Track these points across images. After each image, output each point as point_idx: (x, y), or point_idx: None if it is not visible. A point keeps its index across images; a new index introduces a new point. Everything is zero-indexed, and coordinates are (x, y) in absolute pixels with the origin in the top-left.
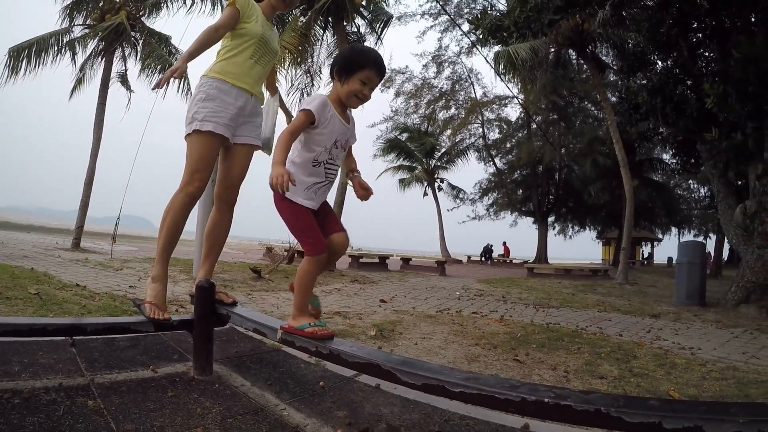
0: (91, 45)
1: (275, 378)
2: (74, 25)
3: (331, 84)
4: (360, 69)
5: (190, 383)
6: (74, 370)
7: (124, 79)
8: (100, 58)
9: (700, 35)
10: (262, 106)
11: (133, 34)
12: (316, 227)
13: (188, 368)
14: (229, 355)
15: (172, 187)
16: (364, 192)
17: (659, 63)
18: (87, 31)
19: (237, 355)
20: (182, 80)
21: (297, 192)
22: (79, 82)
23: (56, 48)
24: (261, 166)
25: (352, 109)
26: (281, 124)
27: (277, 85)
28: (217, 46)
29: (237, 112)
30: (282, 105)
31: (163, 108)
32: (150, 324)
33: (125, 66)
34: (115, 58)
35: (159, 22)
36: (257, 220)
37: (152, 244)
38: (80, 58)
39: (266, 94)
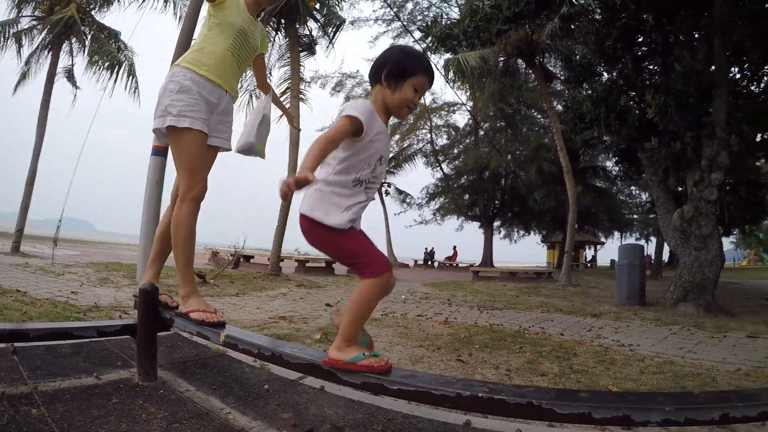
0: (38, 38)
1: (220, 382)
2: (22, 15)
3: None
4: (413, 74)
5: (134, 389)
6: (16, 378)
7: (70, 75)
8: (46, 52)
9: (645, 49)
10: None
11: (82, 28)
12: (369, 243)
13: (132, 374)
14: (173, 360)
15: (118, 190)
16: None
17: (604, 74)
18: (35, 22)
19: (181, 360)
20: (130, 78)
21: (331, 213)
22: (24, 76)
23: (2, 39)
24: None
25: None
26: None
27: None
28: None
29: (212, 107)
30: (276, 101)
31: (110, 107)
32: (93, 329)
33: (72, 61)
34: (62, 53)
35: (109, 17)
36: (202, 224)
37: (94, 248)
38: (26, 51)
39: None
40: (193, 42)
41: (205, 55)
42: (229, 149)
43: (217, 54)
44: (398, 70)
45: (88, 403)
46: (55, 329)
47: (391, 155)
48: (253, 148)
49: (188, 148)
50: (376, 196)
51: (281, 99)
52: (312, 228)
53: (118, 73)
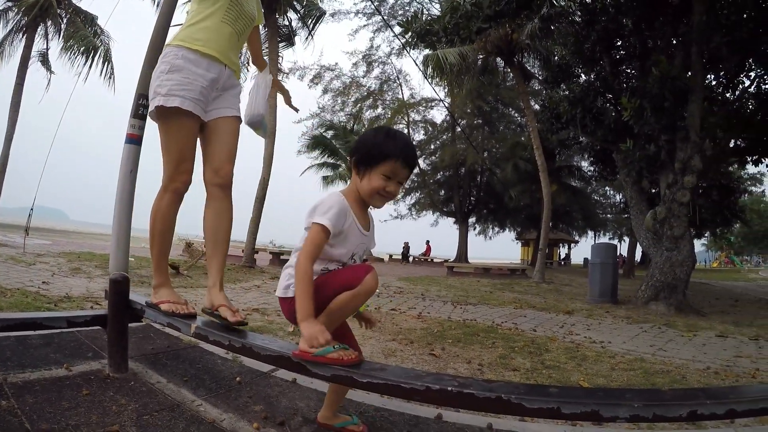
0: (13, 20)
1: (192, 374)
2: None
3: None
4: (383, 160)
5: (105, 381)
6: None
7: (45, 59)
8: (21, 35)
9: (623, 53)
10: (242, 81)
11: (59, 11)
12: (338, 272)
13: (103, 366)
14: (144, 352)
15: (92, 178)
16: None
17: (582, 76)
18: (10, 4)
19: (153, 352)
20: (106, 63)
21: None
22: None
23: None
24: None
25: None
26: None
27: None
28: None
29: (208, 84)
30: (275, 80)
31: (85, 92)
32: (63, 320)
33: (47, 45)
34: (37, 36)
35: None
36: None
37: (66, 238)
38: (0, 34)
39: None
40: (185, 19)
41: (199, 30)
42: (238, 116)
43: (212, 27)
44: (366, 157)
45: (59, 395)
46: (24, 319)
47: None
48: (263, 122)
49: (177, 133)
50: None
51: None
52: (286, 306)
53: (93, 58)
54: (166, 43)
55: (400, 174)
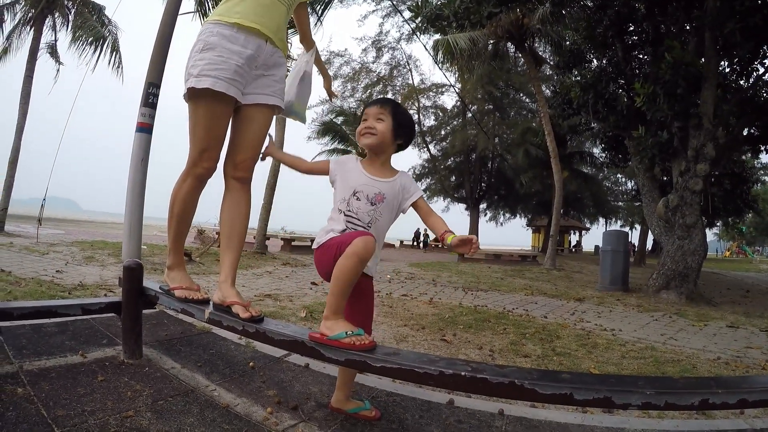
0: (21, 12)
1: (205, 360)
2: None
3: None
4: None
5: (120, 367)
6: (2, 357)
7: (53, 51)
8: (29, 27)
9: (636, 38)
10: (287, 61)
11: (66, 2)
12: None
13: (118, 352)
14: (158, 337)
15: (103, 168)
16: (466, 246)
17: (594, 61)
18: None
19: (167, 338)
20: (114, 53)
21: (319, 237)
22: (5, 51)
23: None
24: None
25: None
26: (317, 88)
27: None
28: None
29: (245, 62)
30: (319, 61)
31: (95, 83)
32: (77, 307)
33: (55, 36)
34: (44, 28)
35: None
36: None
37: (78, 227)
38: (8, 26)
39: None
40: None
41: (239, 3)
42: (279, 106)
43: None
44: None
45: (74, 382)
46: (39, 308)
47: None
48: (293, 109)
49: (205, 117)
50: None
51: None
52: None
53: (101, 48)
54: (206, 19)
55: (370, 111)
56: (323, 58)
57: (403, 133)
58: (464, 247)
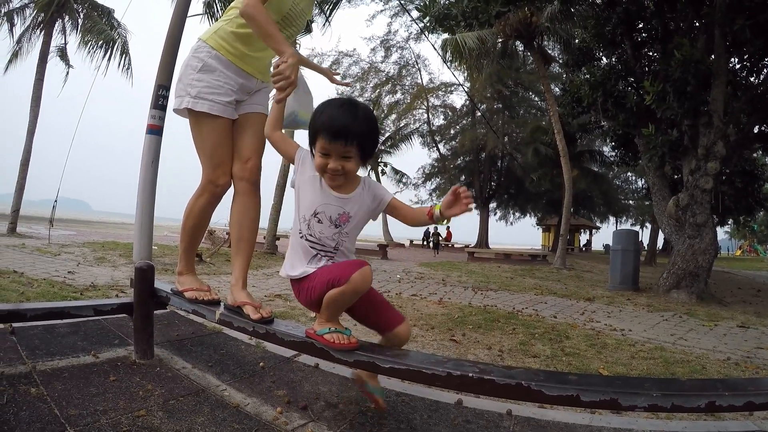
0: (31, 16)
1: (216, 360)
2: None
3: None
4: (315, 137)
5: (131, 367)
6: (15, 358)
7: (63, 54)
8: (39, 31)
9: (645, 35)
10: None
11: (75, 6)
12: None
13: (129, 352)
14: (170, 338)
15: (114, 170)
16: (458, 204)
17: (603, 59)
18: (27, 1)
19: (178, 338)
20: (124, 55)
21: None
22: (15, 55)
23: None
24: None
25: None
26: (327, 88)
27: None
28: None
29: (239, 87)
30: (306, 62)
31: (105, 85)
32: (89, 308)
33: (65, 39)
34: (54, 31)
35: None
36: None
37: (90, 228)
38: (18, 30)
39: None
40: (227, 10)
41: (240, 39)
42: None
43: (255, 41)
44: (310, 132)
45: (86, 382)
46: (52, 309)
47: (387, 135)
48: (297, 118)
49: (209, 136)
50: (373, 175)
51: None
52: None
53: (111, 51)
54: (200, 36)
55: (334, 148)
56: (332, 59)
57: (371, 149)
58: (456, 206)
